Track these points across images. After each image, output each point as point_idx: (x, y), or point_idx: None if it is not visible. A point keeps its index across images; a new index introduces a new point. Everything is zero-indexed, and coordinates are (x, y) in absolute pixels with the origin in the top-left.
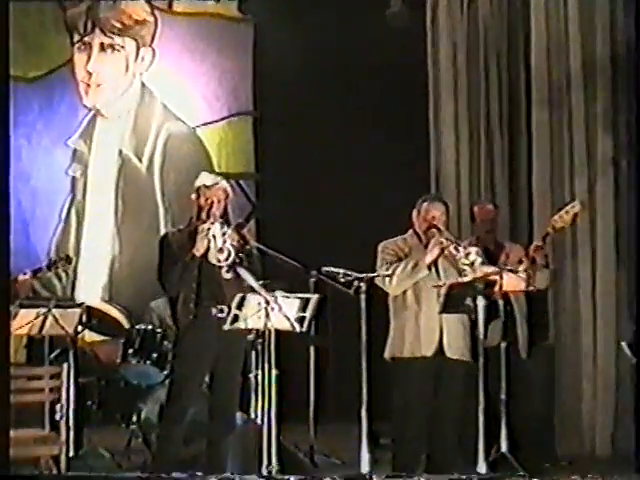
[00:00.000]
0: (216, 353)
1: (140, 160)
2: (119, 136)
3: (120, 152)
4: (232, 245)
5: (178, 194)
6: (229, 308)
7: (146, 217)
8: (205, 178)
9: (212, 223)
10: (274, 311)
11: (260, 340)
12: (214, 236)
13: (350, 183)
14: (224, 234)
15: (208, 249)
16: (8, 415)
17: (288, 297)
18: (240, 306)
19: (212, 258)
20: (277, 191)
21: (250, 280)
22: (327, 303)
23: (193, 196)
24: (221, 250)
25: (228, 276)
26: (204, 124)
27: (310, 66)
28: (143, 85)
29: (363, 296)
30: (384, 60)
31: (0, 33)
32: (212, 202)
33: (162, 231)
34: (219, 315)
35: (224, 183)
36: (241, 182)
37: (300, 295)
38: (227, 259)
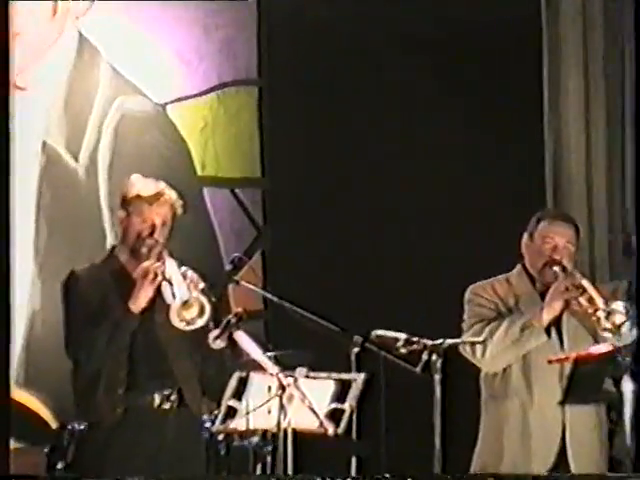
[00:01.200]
0: (166, 471)
1: (75, 158)
2: (42, 120)
3: (44, 146)
4: (203, 294)
5: None
6: (217, 400)
7: (85, 247)
8: (140, 185)
9: (158, 258)
10: (293, 401)
11: (269, 448)
12: (169, 280)
13: (410, 193)
14: (185, 277)
15: (153, 301)
16: (9, 414)
17: (316, 378)
18: (238, 394)
19: (174, 317)
20: (294, 207)
21: (254, 351)
22: (377, 387)
23: (120, 213)
24: (187, 304)
25: (217, 345)
26: (178, 99)
27: (342, 16)
28: (81, 36)
29: (437, 376)
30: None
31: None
32: (153, 224)
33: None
34: (165, 406)
35: (171, 194)
36: (238, 193)
37: (335, 375)
38: (201, 317)
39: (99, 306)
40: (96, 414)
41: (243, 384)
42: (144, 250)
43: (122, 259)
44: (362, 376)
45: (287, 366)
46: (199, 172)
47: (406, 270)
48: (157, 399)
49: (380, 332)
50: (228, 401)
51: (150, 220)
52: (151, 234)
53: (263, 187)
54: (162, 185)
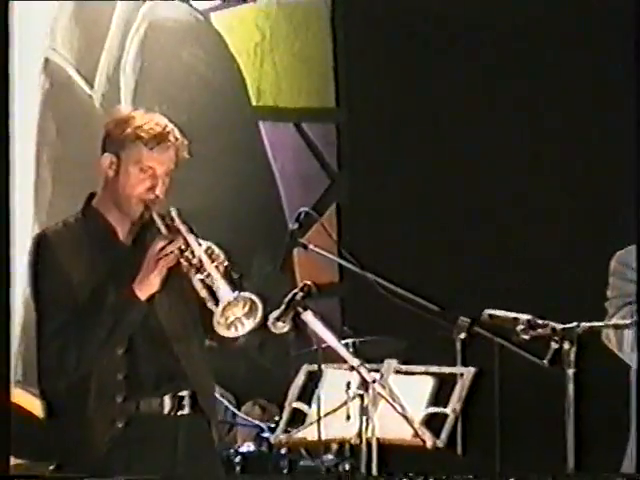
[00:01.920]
0: None
1: (89, 82)
2: (44, 32)
3: (46, 64)
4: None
5: None
6: (279, 404)
7: None
8: (138, 120)
9: (168, 228)
10: (379, 403)
11: (347, 465)
12: (194, 265)
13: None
14: (211, 254)
15: (163, 284)
16: (9, 413)
17: (409, 373)
18: (306, 393)
19: (219, 326)
20: (378, 147)
21: (327, 337)
22: (489, 385)
23: (107, 158)
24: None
25: (279, 328)
26: (226, 3)
27: None
28: None
29: (570, 370)
30: None
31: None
32: (154, 175)
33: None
34: (182, 411)
35: (176, 132)
36: (305, 129)
37: (434, 369)
38: (250, 317)
39: (83, 284)
40: (89, 431)
41: (313, 381)
42: (138, 210)
43: (109, 217)
44: (470, 370)
45: (371, 357)
46: (254, 101)
47: (519, 236)
48: (168, 404)
49: (494, 312)
50: (293, 403)
51: (150, 169)
52: (151, 188)
53: (337, 121)
54: (164, 121)
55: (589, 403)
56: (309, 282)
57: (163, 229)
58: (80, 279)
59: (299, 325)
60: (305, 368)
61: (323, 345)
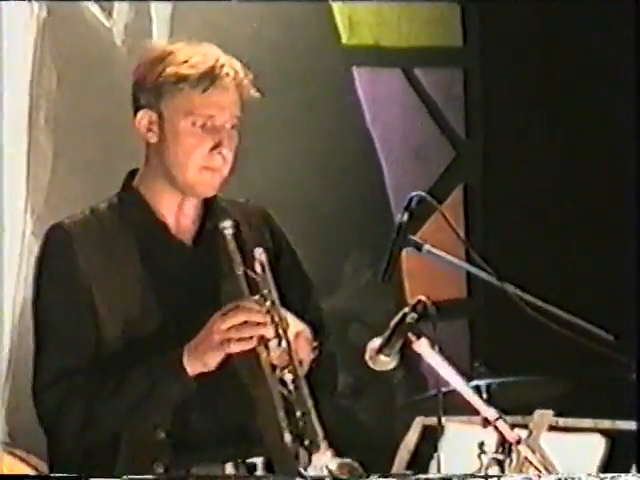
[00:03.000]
0: None
1: (107, 11)
2: None
3: None
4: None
5: None
6: (384, 473)
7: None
8: (178, 55)
9: (238, 243)
10: (529, 471)
11: None
12: (279, 362)
13: None
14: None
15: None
16: None
17: (569, 429)
18: (422, 456)
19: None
20: (524, 105)
21: (449, 375)
22: None
23: (145, 115)
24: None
25: (381, 363)
26: None
27: None
28: None
29: None
30: None
31: None
32: (214, 127)
33: None
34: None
35: (234, 64)
36: (419, 77)
37: (606, 424)
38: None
39: (111, 309)
40: None
41: (430, 440)
42: (200, 187)
43: (156, 202)
44: None
45: (513, 406)
46: (344, 39)
47: None
48: (231, 471)
49: None
50: (402, 470)
51: (209, 119)
52: (215, 147)
53: (465, 65)
54: (216, 51)
55: None
56: (424, 298)
57: (244, 287)
58: (107, 299)
59: (410, 360)
60: (419, 422)
61: (444, 389)
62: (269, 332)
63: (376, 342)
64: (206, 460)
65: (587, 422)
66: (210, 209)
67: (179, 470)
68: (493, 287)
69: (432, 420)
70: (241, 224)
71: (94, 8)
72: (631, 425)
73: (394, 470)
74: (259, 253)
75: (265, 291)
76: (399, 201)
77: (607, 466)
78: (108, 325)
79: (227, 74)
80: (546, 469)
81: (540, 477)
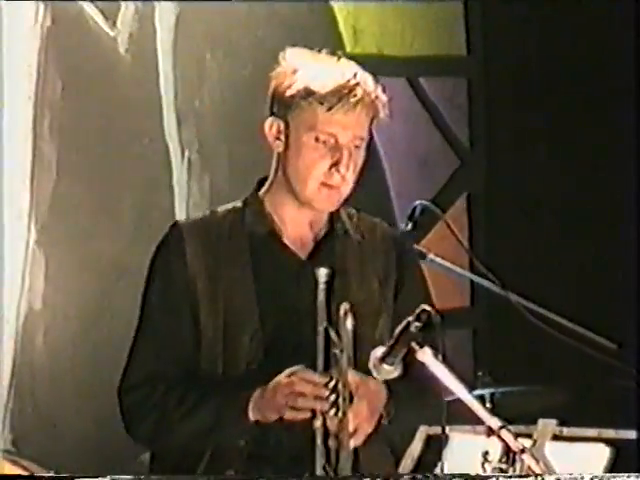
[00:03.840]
0: None
1: (112, 20)
2: None
3: None
4: None
5: (227, 118)
6: None
7: (129, 190)
8: (311, 69)
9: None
10: None
11: None
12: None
13: None
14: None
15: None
16: None
17: (574, 439)
18: (425, 466)
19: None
20: (527, 113)
21: (452, 385)
22: None
23: (270, 125)
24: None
25: (384, 372)
26: None
27: None
28: None
29: None
30: None
31: None
32: (339, 146)
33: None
34: None
35: (368, 82)
36: (424, 86)
37: (610, 433)
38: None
39: (212, 311)
40: None
41: (434, 449)
42: (319, 201)
43: (278, 212)
44: None
45: (517, 416)
46: (348, 47)
47: None
48: None
49: None
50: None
51: (331, 137)
52: (334, 165)
53: (469, 74)
54: (352, 67)
55: None
56: (427, 307)
57: (334, 336)
58: (211, 301)
59: (413, 369)
60: (423, 431)
61: (448, 398)
62: (324, 406)
63: (379, 351)
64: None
65: (591, 431)
66: (333, 226)
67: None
68: (497, 296)
69: (436, 429)
70: (364, 245)
71: (98, 17)
72: (635, 434)
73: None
74: (345, 309)
75: (337, 351)
76: (403, 210)
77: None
78: (207, 330)
79: (356, 94)
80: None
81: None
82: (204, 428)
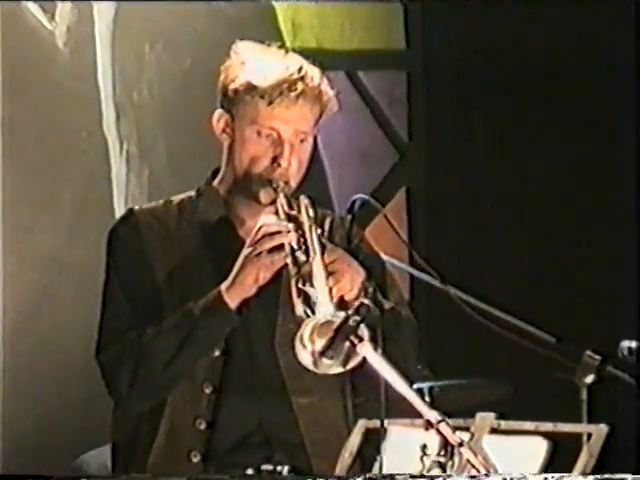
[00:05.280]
0: None
1: (50, 13)
2: None
3: None
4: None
5: (166, 111)
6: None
7: (69, 182)
8: (256, 62)
9: (290, 208)
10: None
11: None
12: (303, 273)
13: None
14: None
15: (277, 278)
16: None
17: (511, 432)
18: (365, 459)
19: (298, 308)
20: (467, 107)
21: (392, 379)
22: (626, 447)
23: (217, 118)
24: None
25: (325, 367)
26: None
27: None
28: None
29: None
30: None
31: None
32: (279, 140)
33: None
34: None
35: (314, 74)
36: (364, 81)
37: (547, 426)
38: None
39: (168, 280)
40: None
41: (373, 443)
42: (263, 195)
43: (231, 202)
44: (602, 430)
45: (456, 409)
46: (288, 41)
47: None
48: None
49: (635, 344)
50: (344, 473)
51: (272, 132)
52: (275, 159)
53: (407, 68)
54: (298, 60)
55: None
56: (367, 300)
57: (282, 214)
58: (167, 275)
59: (353, 363)
60: (361, 425)
61: (387, 391)
62: (292, 239)
63: (318, 345)
64: (242, 455)
65: (529, 425)
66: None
67: (213, 464)
68: (436, 290)
69: (375, 423)
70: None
71: (36, 10)
72: (573, 427)
73: (337, 470)
74: (303, 199)
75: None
76: (342, 204)
77: (548, 469)
78: (166, 294)
79: (296, 88)
80: (488, 472)
81: (488, 476)
82: (182, 338)
